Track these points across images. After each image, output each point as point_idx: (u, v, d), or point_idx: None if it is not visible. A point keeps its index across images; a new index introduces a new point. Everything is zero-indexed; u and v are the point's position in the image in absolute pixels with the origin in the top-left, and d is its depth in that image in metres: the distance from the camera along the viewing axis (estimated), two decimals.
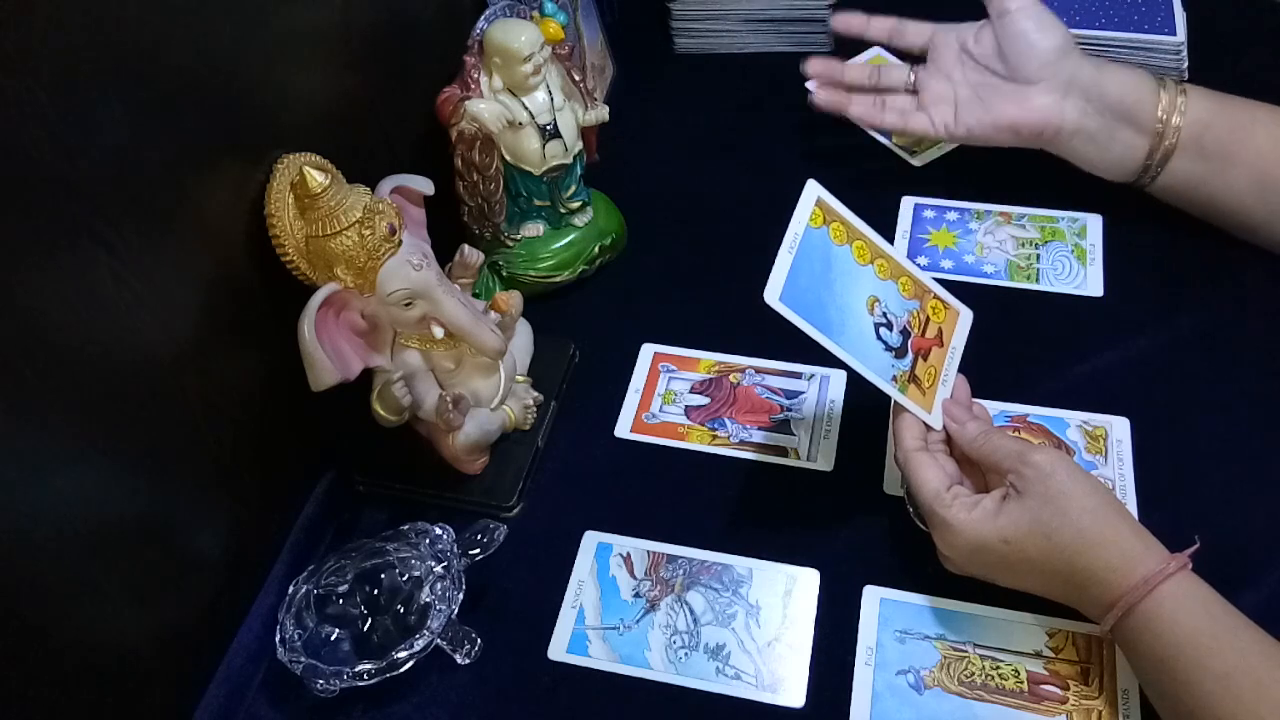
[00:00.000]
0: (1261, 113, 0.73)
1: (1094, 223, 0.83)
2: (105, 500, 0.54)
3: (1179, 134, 0.73)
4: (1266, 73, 0.92)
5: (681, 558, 0.67)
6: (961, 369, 0.66)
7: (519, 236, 0.82)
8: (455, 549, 0.64)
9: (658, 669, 0.63)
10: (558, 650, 0.64)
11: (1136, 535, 0.55)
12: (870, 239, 0.64)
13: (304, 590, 0.63)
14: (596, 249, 0.83)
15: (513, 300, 0.71)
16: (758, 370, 0.77)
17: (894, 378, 0.62)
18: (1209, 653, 0.51)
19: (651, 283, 0.84)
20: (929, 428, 0.63)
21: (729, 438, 0.73)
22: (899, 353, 0.63)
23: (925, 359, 0.65)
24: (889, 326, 0.63)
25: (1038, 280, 0.80)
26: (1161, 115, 0.73)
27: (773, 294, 0.58)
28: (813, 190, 0.62)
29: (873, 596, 0.64)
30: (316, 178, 0.61)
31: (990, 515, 0.57)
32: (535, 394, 0.74)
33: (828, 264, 0.61)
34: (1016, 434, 0.69)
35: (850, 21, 0.85)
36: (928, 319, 0.66)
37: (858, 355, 0.61)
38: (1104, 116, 0.75)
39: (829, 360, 0.74)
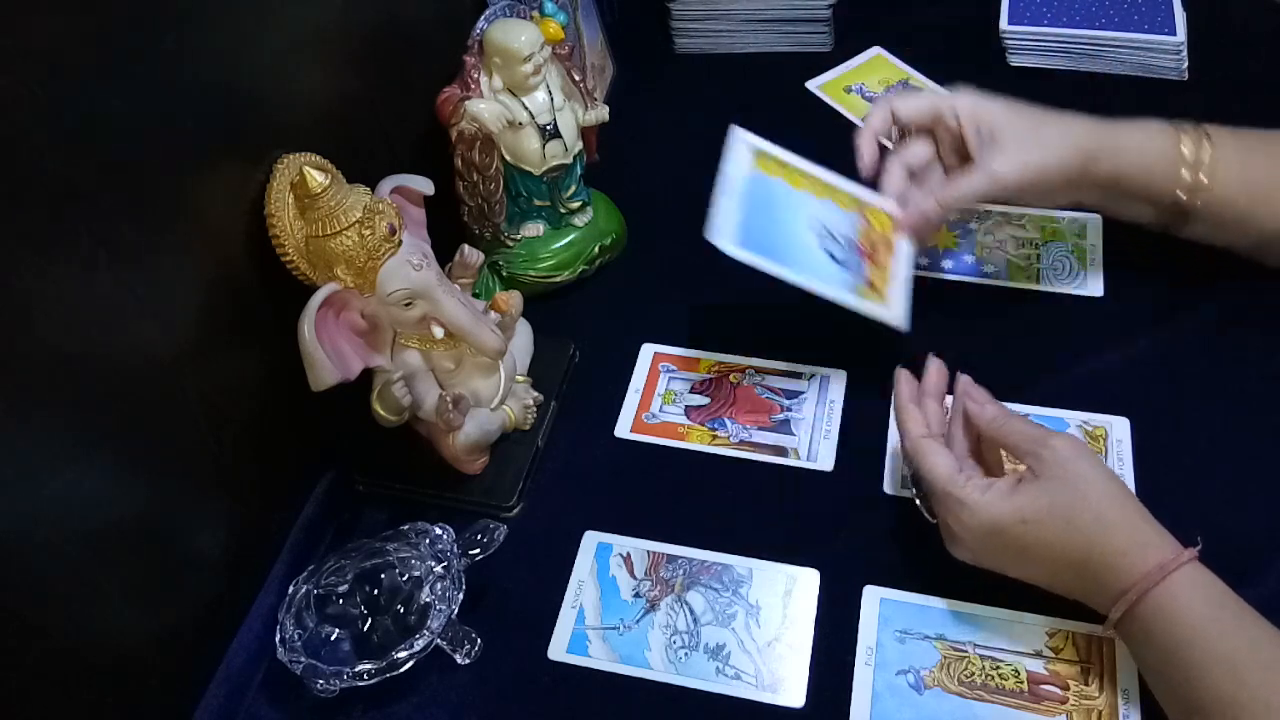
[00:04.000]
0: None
1: (1094, 223, 0.83)
2: (105, 500, 0.54)
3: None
4: (1267, 73, 0.92)
5: (681, 558, 0.67)
6: (963, 369, 0.65)
7: (519, 236, 0.82)
8: (455, 549, 0.64)
9: (658, 669, 0.63)
10: (558, 650, 0.64)
11: (1151, 524, 0.56)
12: (800, 167, 0.66)
13: (304, 590, 0.63)
14: (596, 249, 0.83)
15: (513, 300, 0.71)
16: (758, 370, 0.77)
17: (855, 289, 0.63)
18: (1220, 639, 0.52)
19: (651, 283, 0.84)
20: (926, 420, 0.63)
21: (729, 438, 0.73)
22: (851, 265, 0.65)
23: (875, 263, 0.66)
24: (835, 241, 0.64)
25: (1038, 280, 0.80)
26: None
27: (717, 234, 0.60)
28: (738, 135, 0.65)
29: (873, 596, 0.64)
30: (316, 178, 0.61)
31: (1005, 495, 0.57)
32: (535, 394, 0.74)
33: (768, 199, 0.63)
34: None
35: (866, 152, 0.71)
36: (868, 224, 0.67)
37: (816, 276, 0.62)
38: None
39: (829, 360, 0.76)
